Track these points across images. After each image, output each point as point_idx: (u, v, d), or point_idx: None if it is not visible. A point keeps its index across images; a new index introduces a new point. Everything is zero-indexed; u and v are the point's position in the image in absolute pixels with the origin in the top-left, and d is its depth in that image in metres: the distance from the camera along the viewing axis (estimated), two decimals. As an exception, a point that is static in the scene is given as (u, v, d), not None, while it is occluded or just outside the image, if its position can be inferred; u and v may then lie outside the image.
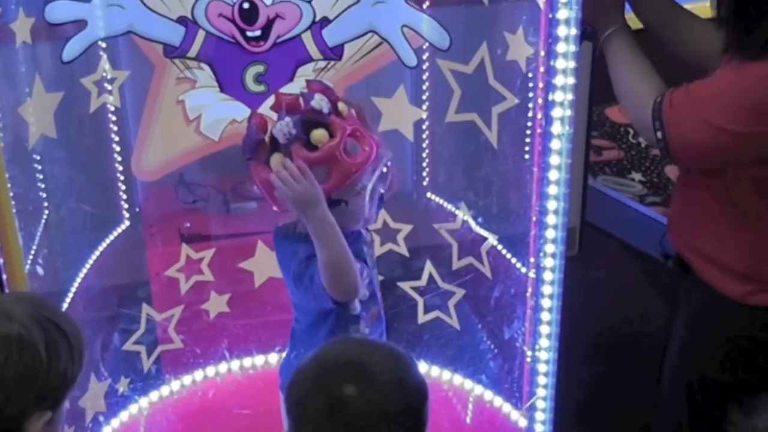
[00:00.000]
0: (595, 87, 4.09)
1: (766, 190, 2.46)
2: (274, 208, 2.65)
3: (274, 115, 2.62)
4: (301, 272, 2.55)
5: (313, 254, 2.52)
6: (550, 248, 2.92)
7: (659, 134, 2.44)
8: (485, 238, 3.34)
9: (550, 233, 2.91)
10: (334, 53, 3.16)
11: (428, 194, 3.67)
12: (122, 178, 3.67)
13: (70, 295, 3.55)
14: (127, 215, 3.76)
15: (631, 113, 2.59)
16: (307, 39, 3.13)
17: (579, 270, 3.67)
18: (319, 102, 2.53)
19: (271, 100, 2.81)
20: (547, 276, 2.97)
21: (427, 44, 3.17)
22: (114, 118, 3.28)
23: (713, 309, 2.62)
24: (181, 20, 3.07)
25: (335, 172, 2.47)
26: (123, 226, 3.77)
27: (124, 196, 3.71)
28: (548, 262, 2.95)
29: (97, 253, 3.74)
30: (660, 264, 4.19)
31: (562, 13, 2.64)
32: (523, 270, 3.18)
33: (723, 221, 2.52)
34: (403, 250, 3.41)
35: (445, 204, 3.56)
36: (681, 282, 2.73)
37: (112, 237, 3.78)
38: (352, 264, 2.50)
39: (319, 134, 2.47)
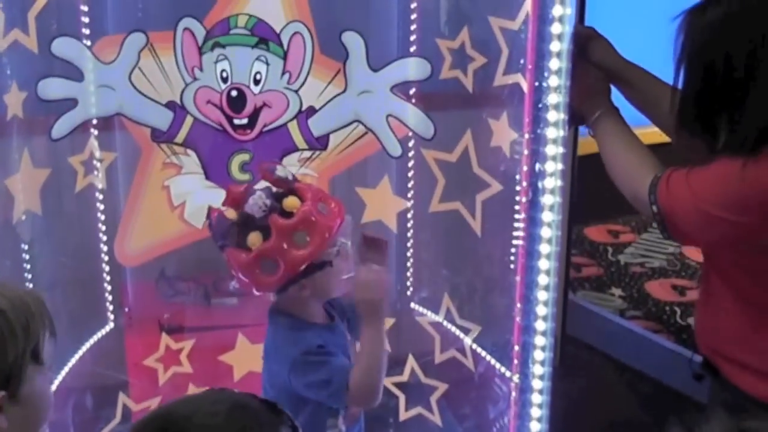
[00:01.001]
0: (573, 207, 4.12)
1: None
2: (255, 292, 2.64)
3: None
4: (306, 362, 2.50)
5: (325, 346, 2.51)
6: (539, 355, 2.86)
7: (654, 208, 2.41)
8: (468, 330, 3.33)
9: (539, 340, 2.85)
10: (319, 143, 3.20)
11: (411, 285, 3.67)
12: (108, 278, 3.58)
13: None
14: (112, 317, 3.69)
15: (626, 189, 2.55)
16: (293, 128, 3.18)
17: (560, 382, 3.64)
18: (284, 171, 2.56)
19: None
20: (536, 384, 2.91)
21: (412, 133, 3.22)
22: (101, 197, 3.27)
23: (743, 411, 2.56)
24: (170, 105, 3.12)
25: (315, 235, 2.47)
26: (107, 328, 3.69)
27: (110, 297, 3.64)
28: (537, 370, 2.89)
29: (79, 354, 3.67)
30: (642, 375, 4.17)
31: (552, 98, 2.64)
32: (507, 373, 3.16)
33: (742, 320, 2.48)
34: (385, 344, 3.37)
35: (429, 296, 3.54)
36: (710, 383, 2.67)
37: (95, 339, 3.69)
38: (384, 372, 2.52)
39: (291, 201, 2.49)
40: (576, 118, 2.73)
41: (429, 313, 3.54)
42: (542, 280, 2.79)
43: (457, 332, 3.38)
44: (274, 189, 2.53)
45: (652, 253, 4.81)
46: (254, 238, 2.47)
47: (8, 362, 1.83)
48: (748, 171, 2.26)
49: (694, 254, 4.72)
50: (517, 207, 2.91)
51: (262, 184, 2.57)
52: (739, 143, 2.28)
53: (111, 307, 3.62)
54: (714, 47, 2.25)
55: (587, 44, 2.72)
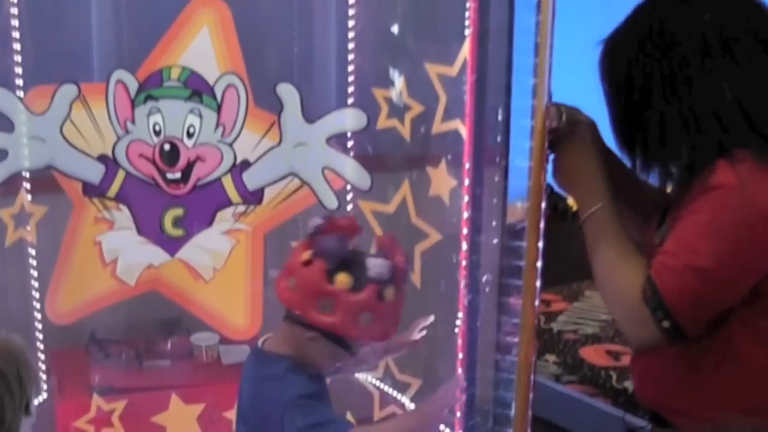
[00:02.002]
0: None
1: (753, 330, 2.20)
2: (285, 303, 2.42)
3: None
4: (301, 405, 2.37)
5: (317, 393, 2.43)
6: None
7: (666, 324, 2.09)
8: (408, 386, 3.27)
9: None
10: (253, 197, 3.16)
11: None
12: (42, 347, 3.41)
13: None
14: (45, 387, 3.55)
15: (617, 310, 2.22)
16: (227, 182, 3.14)
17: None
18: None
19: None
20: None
21: (348, 185, 3.19)
22: (33, 252, 3.16)
23: None
24: (102, 158, 3.07)
25: (378, 325, 2.39)
26: (40, 398, 3.55)
27: (44, 366, 3.47)
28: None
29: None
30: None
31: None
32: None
33: (697, 368, 2.25)
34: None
35: (368, 351, 3.47)
36: None
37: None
38: None
39: (390, 290, 2.38)
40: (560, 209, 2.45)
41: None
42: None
43: (397, 388, 3.32)
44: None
45: (584, 320, 4.79)
46: (343, 279, 2.34)
47: (6, 424, 1.73)
48: (750, 185, 2.06)
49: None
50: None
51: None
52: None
53: (44, 377, 3.48)
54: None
55: (574, 127, 2.38)
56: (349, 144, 3.17)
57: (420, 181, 3.03)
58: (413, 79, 2.99)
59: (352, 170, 3.11)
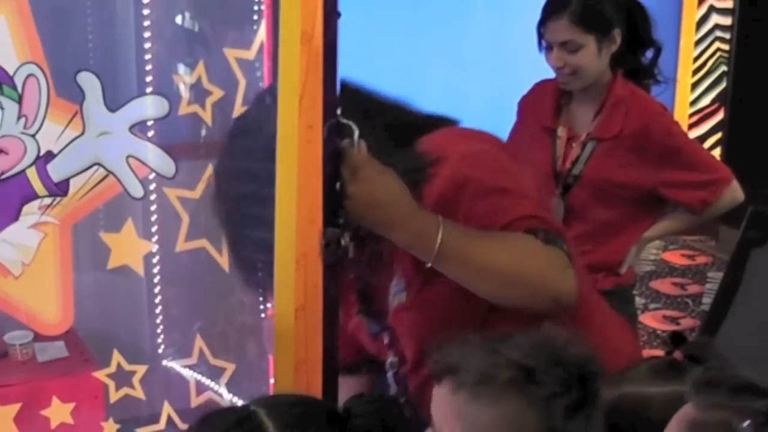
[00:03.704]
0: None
1: None
2: None
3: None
4: None
5: None
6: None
7: (565, 246, 2.29)
8: (224, 370, 3.28)
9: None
10: (59, 189, 3.12)
11: (162, 328, 3.60)
12: None
13: None
14: None
15: (539, 275, 2.18)
16: (32, 175, 3.09)
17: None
18: None
19: None
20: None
21: (153, 173, 3.19)
22: None
23: None
24: None
25: None
26: None
27: None
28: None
29: None
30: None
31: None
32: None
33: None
34: (139, 393, 3.29)
35: (181, 338, 3.48)
36: None
37: None
38: None
39: None
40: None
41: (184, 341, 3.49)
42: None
43: (212, 374, 3.33)
44: None
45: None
46: None
47: None
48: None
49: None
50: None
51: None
52: None
53: None
54: None
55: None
56: (152, 131, 3.17)
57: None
58: (212, 64, 3.02)
59: (155, 157, 3.11)
